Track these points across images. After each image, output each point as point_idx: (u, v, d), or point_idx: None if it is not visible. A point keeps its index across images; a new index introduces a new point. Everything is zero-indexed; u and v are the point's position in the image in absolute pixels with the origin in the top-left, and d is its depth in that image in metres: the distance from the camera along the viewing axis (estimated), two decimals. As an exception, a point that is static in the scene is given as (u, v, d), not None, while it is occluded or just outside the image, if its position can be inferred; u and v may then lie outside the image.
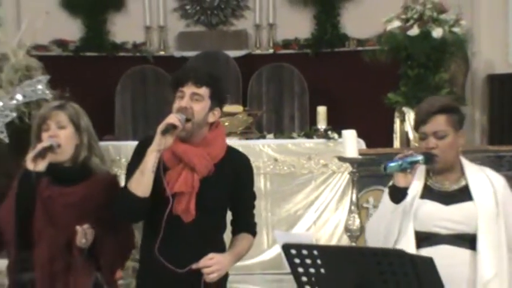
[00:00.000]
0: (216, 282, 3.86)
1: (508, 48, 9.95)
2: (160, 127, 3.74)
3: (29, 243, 3.96)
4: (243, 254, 3.99)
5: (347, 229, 6.52)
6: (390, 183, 3.79)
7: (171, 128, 3.73)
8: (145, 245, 3.94)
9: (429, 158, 3.73)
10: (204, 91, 3.86)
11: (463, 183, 3.83)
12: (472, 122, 9.93)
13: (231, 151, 4.00)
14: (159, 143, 3.74)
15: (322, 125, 8.45)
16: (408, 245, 3.75)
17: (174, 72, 4.05)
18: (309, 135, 8.53)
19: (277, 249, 7.58)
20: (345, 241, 6.81)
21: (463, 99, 8.82)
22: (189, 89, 3.85)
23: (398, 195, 3.75)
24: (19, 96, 7.50)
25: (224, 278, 3.95)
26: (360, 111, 9.34)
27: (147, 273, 3.95)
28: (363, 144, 7.32)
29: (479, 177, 3.83)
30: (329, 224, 8.08)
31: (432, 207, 3.79)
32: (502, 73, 9.94)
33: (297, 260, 3.51)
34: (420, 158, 3.71)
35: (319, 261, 3.49)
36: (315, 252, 3.50)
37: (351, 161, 6.29)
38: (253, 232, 4.06)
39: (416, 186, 3.83)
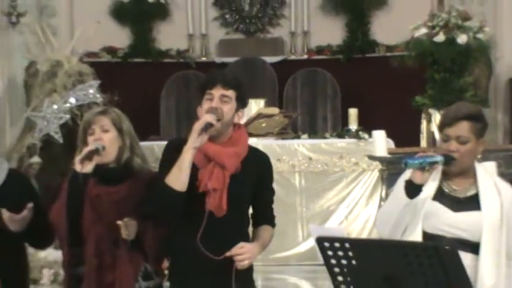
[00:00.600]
0: (245, 269, 3.88)
1: (529, 54, 9.90)
2: (198, 126, 3.75)
3: (80, 240, 3.98)
4: (267, 243, 3.99)
5: (377, 223, 6.52)
6: (407, 178, 3.78)
7: (209, 126, 3.75)
8: (179, 237, 3.96)
9: (448, 160, 3.72)
10: (231, 93, 3.89)
11: (473, 191, 3.79)
12: (495, 122, 9.85)
13: (253, 150, 4.02)
14: (196, 141, 3.76)
15: (353, 125, 8.45)
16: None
17: (202, 79, 4.08)
18: (340, 136, 8.53)
19: (311, 242, 7.59)
20: (375, 234, 6.79)
21: (486, 101, 8.76)
22: (218, 92, 3.87)
23: (413, 190, 3.73)
24: (72, 100, 7.55)
25: (251, 268, 3.96)
26: (389, 113, 9.31)
27: (182, 263, 3.96)
28: (391, 144, 7.30)
29: (489, 187, 3.79)
30: (360, 219, 8.07)
31: (441, 211, 3.77)
32: (523, 77, 9.89)
33: (330, 252, 3.51)
34: (440, 159, 3.69)
35: (350, 254, 3.49)
36: (347, 245, 3.50)
37: (381, 159, 6.28)
38: (273, 224, 4.06)
39: (430, 187, 3.81)
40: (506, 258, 3.75)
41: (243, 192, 3.90)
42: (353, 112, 8.55)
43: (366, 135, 7.99)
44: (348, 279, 3.53)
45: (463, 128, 3.78)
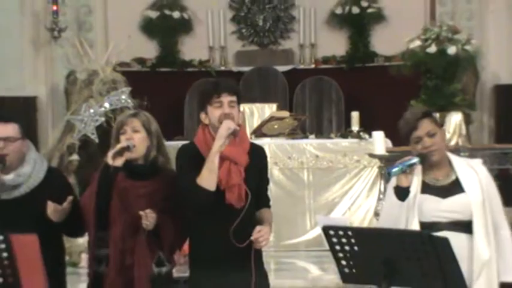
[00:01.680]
0: (259, 250, 3.90)
1: (512, 63, 9.87)
2: (224, 132, 3.76)
3: (105, 225, 3.99)
4: (271, 223, 4.00)
5: (376, 214, 6.51)
6: (394, 185, 3.78)
7: (236, 131, 3.77)
8: (201, 227, 3.93)
9: (423, 158, 3.74)
10: (235, 98, 3.90)
11: (453, 177, 3.80)
12: (481, 124, 9.84)
13: (252, 144, 4.04)
14: (221, 145, 3.77)
15: (355, 127, 8.43)
16: None
17: (205, 85, 4.09)
18: (344, 136, 8.52)
19: (318, 231, 7.57)
20: (375, 224, 6.78)
21: (473, 105, 8.73)
22: (226, 98, 3.87)
23: (403, 193, 3.74)
24: (107, 105, 7.56)
25: (261, 250, 3.97)
26: (387, 115, 9.20)
27: (205, 250, 3.95)
28: (389, 143, 7.28)
29: (466, 169, 3.81)
30: (361, 210, 8.05)
31: (432, 201, 3.77)
32: (507, 83, 9.84)
33: (335, 239, 3.51)
34: (416, 160, 3.72)
35: (353, 240, 3.48)
36: (350, 233, 3.49)
37: (380, 157, 6.27)
38: (270, 206, 4.07)
39: (415, 183, 3.81)
40: (492, 227, 3.75)
41: (253, 181, 3.92)
42: (355, 115, 8.53)
43: (367, 136, 7.98)
44: (351, 263, 3.52)
45: (427, 124, 3.81)
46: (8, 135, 4.02)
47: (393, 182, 3.84)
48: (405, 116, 3.91)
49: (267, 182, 4.09)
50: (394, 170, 3.69)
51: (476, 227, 3.71)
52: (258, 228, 3.82)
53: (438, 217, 3.75)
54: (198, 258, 3.98)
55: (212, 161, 3.76)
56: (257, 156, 3.99)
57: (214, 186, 3.78)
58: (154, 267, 4.00)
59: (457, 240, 3.69)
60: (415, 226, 3.76)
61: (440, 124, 3.91)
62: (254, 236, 3.80)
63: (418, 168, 3.83)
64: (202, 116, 3.93)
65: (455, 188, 3.77)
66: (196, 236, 3.99)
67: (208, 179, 3.76)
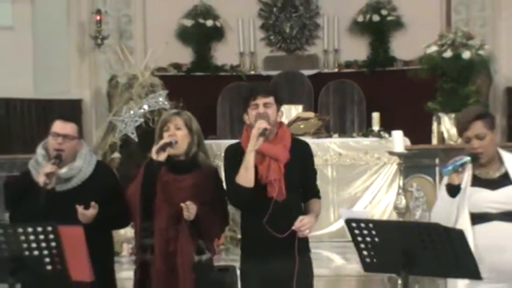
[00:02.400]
0: (303, 239, 3.90)
1: (522, 67, 9.80)
2: (256, 132, 3.79)
3: (150, 215, 4.02)
4: (319, 213, 4.04)
5: (395, 207, 6.47)
6: (446, 182, 3.75)
7: (265, 130, 3.79)
8: (248, 221, 3.97)
9: (474, 157, 3.70)
10: (271, 99, 3.93)
11: (503, 170, 3.76)
12: (494, 124, 9.75)
13: (295, 140, 4.06)
14: (255, 144, 3.79)
15: (376, 127, 8.40)
16: (465, 223, 3.71)
17: (244, 93, 4.12)
18: (365, 135, 8.49)
19: (341, 223, 7.55)
20: (394, 217, 6.75)
21: (486, 107, 8.65)
22: (261, 100, 3.91)
23: (454, 190, 3.71)
24: (145, 106, 7.60)
25: (307, 238, 3.97)
26: (406, 116, 9.23)
27: (252, 241, 3.97)
28: (408, 142, 7.23)
29: None
30: (381, 204, 8.02)
31: (483, 193, 3.74)
32: (517, 86, 9.77)
33: (357, 231, 3.51)
34: (468, 159, 3.69)
35: (373, 232, 3.48)
36: (371, 225, 3.49)
37: (399, 154, 6.24)
38: (319, 197, 4.08)
39: (466, 177, 3.78)
40: None
41: (294, 176, 3.92)
42: (376, 115, 8.50)
43: (387, 135, 7.94)
44: (372, 253, 3.52)
45: (478, 126, 3.75)
46: (67, 133, 4.12)
47: (446, 179, 3.81)
48: (460, 115, 3.88)
49: (314, 173, 4.09)
50: (447, 169, 3.68)
51: None
52: (300, 218, 3.86)
53: (489, 208, 3.72)
54: (247, 248, 4.02)
55: (247, 160, 3.79)
56: (300, 151, 4.00)
57: (252, 183, 3.79)
58: (194, 255, 4.02)
59: (505, 230, 3.67)
60: (466, 217, 3.73)
61: (494, 126, 3.82)
62: (295, 225, 3.82)
63: (468, 165, 3.80)
64: (245, 117, 3.97)
65: (504, 180, 3.73)
66: (245, 227, 4.02)
67: (245, 176, 3.79)
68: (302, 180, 4.00)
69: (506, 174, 3.73)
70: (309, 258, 4.01)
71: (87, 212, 3.96)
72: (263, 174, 3.83)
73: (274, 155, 3.86)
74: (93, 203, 3.99)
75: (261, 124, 3.80)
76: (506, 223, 3.67)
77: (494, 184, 3.74)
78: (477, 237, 3.66)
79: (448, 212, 3.75)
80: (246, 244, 4.02)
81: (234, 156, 3.89)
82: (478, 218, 3.70)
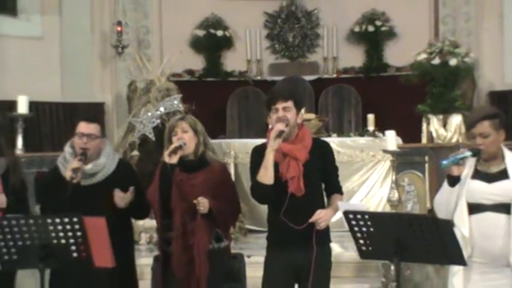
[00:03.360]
0: (323, 231, 3.89)
1: (504, 72, 9.76)
2: (274, 134, 3.79)
3: (169, 213, 4.04)
4: (338, 208, 3.96)
5: (389, 200, 6.46)
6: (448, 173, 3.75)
7: (282, 132, 3.78)
8: (272, 214, 3.97)
9: (476, 152, 3.68)
10: (290, 103, 3.90)
11: (502, 166, 3.73)
12: (478, 124, 9.74)
13: (316, 140, 4.04)
14: (274, 145, 3.79)
15: (371, 127, 8.39)
16: (462, 213, 3.70)
17: (266, 95, 4.09)
18: (361, 134, 8.47)
19: (339, 215, 7.50)
20: (387, 209, 6.73)
21: (471, 108, 8.64)
22: (280, 105, 3.88)
23: (454, 181, 3.70)
24: (162, 109, 7.59)
25: (327, 229, 3.96)
26: (398, 117, 9.21)
27: (275, 233, 3.97)
28: (400, 141, 7.21)
29: None
30: (376, 197, 8.01)
31: (479, 185, 3.72)
32: (499, 90, 9.75)
33: (354, 222, 3.51)
34: (469, 153, 3.66)
35: (369, 223, 3.48)
36: (366, 216, 3.49)
37: (392, 152, 6.23)
38: (341, 192, 4.06)
39: (467, 170, 3.76)
40: None
41: (314, 174, 3.90)
42: (371, 117, 8.49)
43: (381, 134, 7.93)
44: (367, 242, 3.52)
45: (484, 126, 3.71)
46: (91, 133, 4.15)
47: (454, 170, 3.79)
48: (471, 113, 3.86)
49: (335, 170, 4.06)
50: (445, 162, 3.66)
51: None
52: (318, 211, 3.84)
53: (483, 199, 3.70)
54: (271, 239, 4.01)
55: (266, 159, 3.79)
56: (320, 150, 3.98)
57: (271, 181, 3.79)
58: (214, 243, 4.04)
59: (497, 220, 3.66)
60: (463, 206, 3.71)
61: (501, 127, 3.75)
62: (312, 218, 3.81)
63: (472, 159, 3.79)
64: (268, 120, 3.96)
65: (501, 175, 3.70)
66: (270, 221, 4.02)
67: (264, 174, 3.79)
68: (323, 178, 3.98)
69: (504, 170, 3.71)
70: (329, 249, 3.99)
71: (125, 195, 4.00)
72: (283, 172, 3.83)
73: (294, 154, 3.85)
74: (131, 188, 4.03)
75: (278, 127, 3.80)
76: (498, 214, 3.66)
77: (491, 178, 3.72)
78: (472, 226, 3.65)
79: (447, 200, 3.75)
80: (271, 235, 4.02)
81: (258, 156, 3.89)
82: (474, 208, 3.69)
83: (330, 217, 3.88)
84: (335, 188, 4.04)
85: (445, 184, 3.77)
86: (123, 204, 4.02)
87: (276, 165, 3.83)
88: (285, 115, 3.85)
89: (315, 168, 3.90)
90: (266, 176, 3.79)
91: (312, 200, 3.88)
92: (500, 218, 3.66)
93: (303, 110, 4.03)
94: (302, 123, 4.01)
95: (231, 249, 4.22)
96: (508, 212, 3.65)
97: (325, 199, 4.05)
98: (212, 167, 4.10)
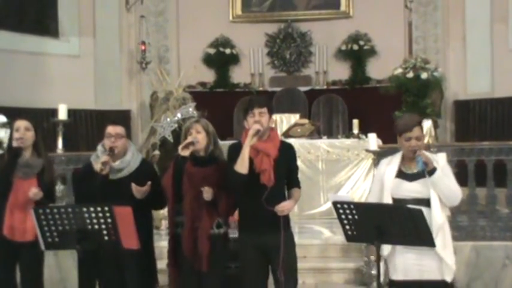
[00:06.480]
0: (285, 217, 3.90)
1: (466, 85, 9.81)
2: (252, 132, 3.85)
3: (180, 198, 4.04)
4: (298, 199, 4.00)
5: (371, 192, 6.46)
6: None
7: (258, 131, 3.81)
8: (244, 203, 3.96)
9: (423, 170, 3.64)
10: (264, 109, 3.93)
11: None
12: (445, 128, 9.78)
13: (283, 142, 4.06)
14: (250, 141, 3.82)
15: (355, 130, 8.39)
16: None
17: (244, 103, 4.12)
18: (347, 137, 8.47)
19: (329, 204, 7.54)
20: (370, 200, 6.72)
21: (439, 114, 8.66)
22: (257, 110, 3.91)
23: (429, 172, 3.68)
24: (179, 115, 7.59)
25: (288, 216, 3.96)
26: (378, 122, 9.17)
27: (247, 218, 3.95)
28: (380, 142, 7.19)
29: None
30: (360, 190, 7.99)
31: (402, 183, 3.73)
32: (463, 99, 9.80)
33: (341, 211, 3.51)
34: (422, 167, 3.64)
35: (354, 211, 3.49)
36: (352, 206, 3.49)
37: (373, 152, 6.22)
38: (299, 187, 4.05)
39: (393, 169, 3.77)
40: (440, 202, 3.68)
41: (282, 169, 3.91)
42: (355, 122, 8.48)
43: (364, 136, 7.92)
44: (352, 227, 3.52)
45: (418, 130, 3.74)
46: (118, 133, 4.18)
47: (379, 169, 3.82)
48: (405, 118, 3.83)
49: (296, 169, 4.07)
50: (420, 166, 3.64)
51: (434, 201, 3.64)
52: (282, 203, 3.84)
53: (405, 195, 3.70)
54: (243, 223, 4.00)
55: (243, 152, 3.81)
56: (286, 150, 4.00)
57: (246, 171, 3.80)
58: (215, 229, 4.03)
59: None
60: (388, 200, 3.71)
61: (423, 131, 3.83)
62: (276, 208, 3.82)
63: (398, 158, 3.79)
64: (245, 123, 3.97)
65: (420, 175, 3.69)
66: (242, 207, 4.01)
67: (241, 165, 3.81)
68: (287, 173, 3.99)
69: (423, 171, 3.70)
70: (290, 233, 3.99)
71: (142, 188, 4.00)
72: (257, 165, 3.84)
73: (266, 150, 3.87)
74: (149, 182, 4.03)
75: (255, 126, 3.83)
76: (419, 207, 3.65)
77: (412, 177, 3.72)
78: None
79: (377, 193, 3.81)
80: (243, 220, 4.00)
81: (235, 151, 3.91)
82: (397, 202, 3.68)
83: (291, 207, 3.89)
84: (295, 183, 4.05)
85: (375, 183, 3.85)
86: (139, 196, 4.02)
87: (251, 160, 3.83)
88: (260, 119, 3.88)
89: (282, 164, 3.92)
90: (242, 166, 3.80)
91: (278, 191, 3.89)
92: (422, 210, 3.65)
93: (273, 116, 4.03)
94: (273, 127, 4.04)
95: (229, 235, 4.20)
96: (426, 205, 3.63)
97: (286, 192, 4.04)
98: (219, 164, 4.10)
